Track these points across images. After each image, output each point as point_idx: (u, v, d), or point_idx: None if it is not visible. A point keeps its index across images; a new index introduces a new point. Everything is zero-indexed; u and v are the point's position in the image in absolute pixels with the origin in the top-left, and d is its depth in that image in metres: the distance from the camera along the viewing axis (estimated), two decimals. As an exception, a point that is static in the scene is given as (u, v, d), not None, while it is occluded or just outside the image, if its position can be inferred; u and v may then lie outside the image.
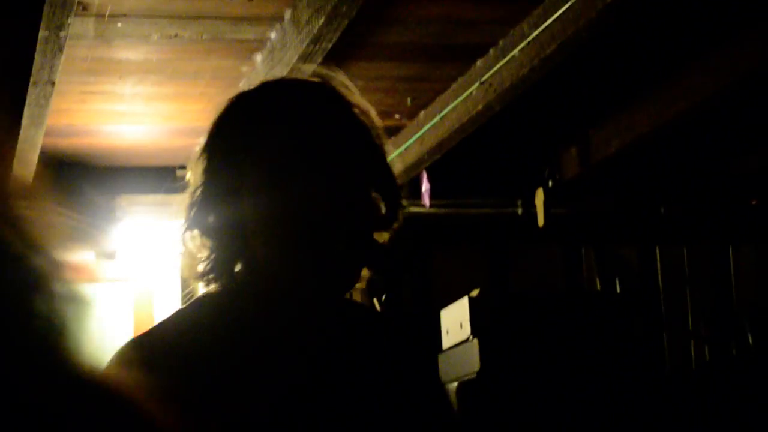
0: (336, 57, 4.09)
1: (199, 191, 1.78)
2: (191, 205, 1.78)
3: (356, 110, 1.79)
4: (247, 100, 1.84)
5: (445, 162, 5.33)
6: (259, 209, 1.74)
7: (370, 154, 1.79)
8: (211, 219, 1.77)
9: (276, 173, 1.73)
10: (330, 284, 1.77)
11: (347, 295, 1.87)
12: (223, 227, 1.77)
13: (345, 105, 1.79)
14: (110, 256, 5.74)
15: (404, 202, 1.84)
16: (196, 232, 1.78)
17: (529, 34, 4.19)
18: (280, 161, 1.73)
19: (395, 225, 1.81)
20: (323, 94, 1.80)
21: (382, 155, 1.82)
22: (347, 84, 1.82)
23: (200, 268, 1.79)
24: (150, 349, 1.73)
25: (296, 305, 1.78)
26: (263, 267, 1.76)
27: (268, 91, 1.84)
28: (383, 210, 1.80)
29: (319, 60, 3.98)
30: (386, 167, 1.83)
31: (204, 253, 1.78)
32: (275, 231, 1.73)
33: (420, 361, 1.91)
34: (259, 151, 1.75)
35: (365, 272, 1.80)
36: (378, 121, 1.82)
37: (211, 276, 1.79)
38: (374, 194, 1.79)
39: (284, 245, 1.73)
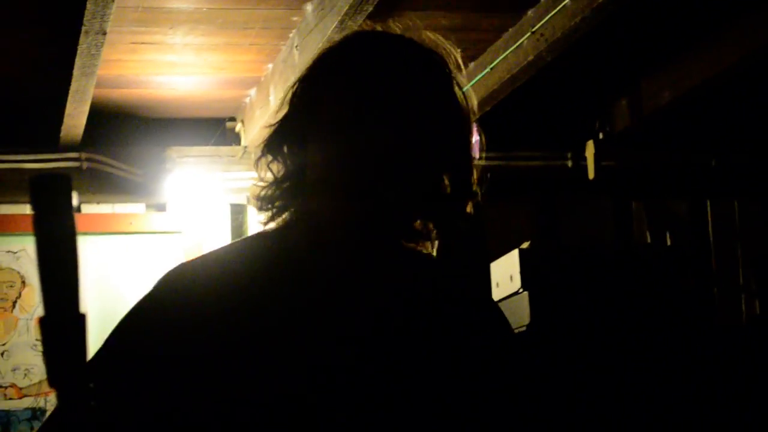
0: (386, 7, 4.07)
1: (273, 132, 1.81)
2: (266, 144, 1.82)
3: (452, 82, 1.79)
4: (330, 50, 1.82)
5: (495, 114, 5.30)
6: (321, 154, 1.73)
7: (448, 122, 1.78)
8: (279, 162, 1.79)
9: (343, 120, 1.72)
10: (381, 234, 1.76)
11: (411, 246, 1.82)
12: (288, 171, 1.78)
13: (438, 71, 1.77)
14: (160, 207, 5.76)
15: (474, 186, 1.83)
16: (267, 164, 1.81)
17: (582, -17, 4.16)
18: (347, 109, 1.72)
19: (465, 200, 1.81)
20: (410, 50, 1.77)
21: (463, 132, 1.81)
22: (434, 39, 1.80)
23: (263, 201, 1.81)
24: (192, 278, 1.76)
25: (347, 253, 1.77)
26: (317, 213, 1.75)
27: (350, 41, 1.82)
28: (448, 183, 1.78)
29: (370, 9, 3.97)
30: (462, 143, 1.82)
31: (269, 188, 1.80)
32: (333, 177, 1.72)
33: (485, 308, 1.84)
34: (331, 99, 1.74)
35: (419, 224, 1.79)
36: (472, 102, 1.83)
37: (270, 211, 1.81)
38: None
39: (339, 192, 1.72)
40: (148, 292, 1.76)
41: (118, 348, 1.72)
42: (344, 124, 1.71)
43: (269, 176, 1.81)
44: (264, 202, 1.81)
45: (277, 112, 1.83)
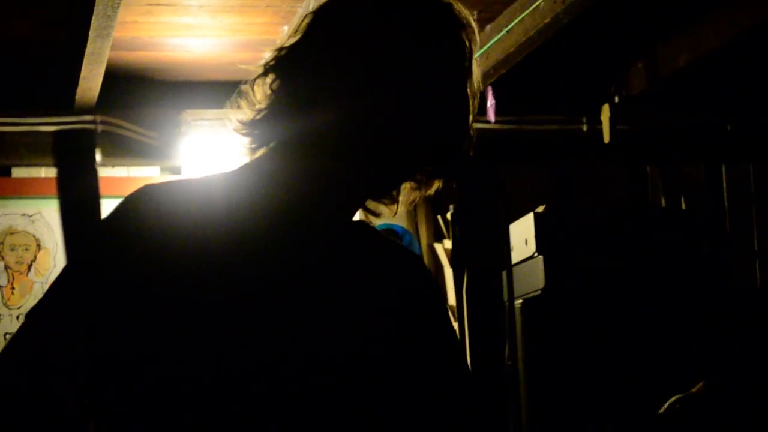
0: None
1: (283, 56, 1.73)
2: (259, 119, 1.73)
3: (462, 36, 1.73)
4: (334, 7, 1.76)
5: (511, 77, 5.27)
6: (334, 117, 1.69)
7: (457, 87, 1.74)
8: (280, 87, 1.71)
9: (361, 81, 1.68)
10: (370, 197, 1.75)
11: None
12: (285, 100, 1.71)
13: (450, 25, 1.72)
14: (175, 170, 5.76)
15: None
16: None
17: (600, -56, 4.14)
18: (376, 63, 1.68)
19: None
20: (425, 7, 1.73)
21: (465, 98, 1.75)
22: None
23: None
24: (155, 204, 1.67)
25: (337, 222, 1.75)
26: (318, 170, 1.70)
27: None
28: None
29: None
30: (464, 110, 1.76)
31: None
32: (353, 134, 1.68)
33: (428, 295, 1.82)
34: (358, 48, 1.70)
35: (436, 185, 1.78)
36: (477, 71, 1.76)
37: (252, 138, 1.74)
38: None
39: (358, 150, 1.69)
40: (112, 211, 1.66)
41: (76, 270, 1.65)
42: (372, 78, 1.68)
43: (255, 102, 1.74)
44: (251, 128, 1.74)
45: (289, 37, 1.75)
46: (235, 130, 1.76)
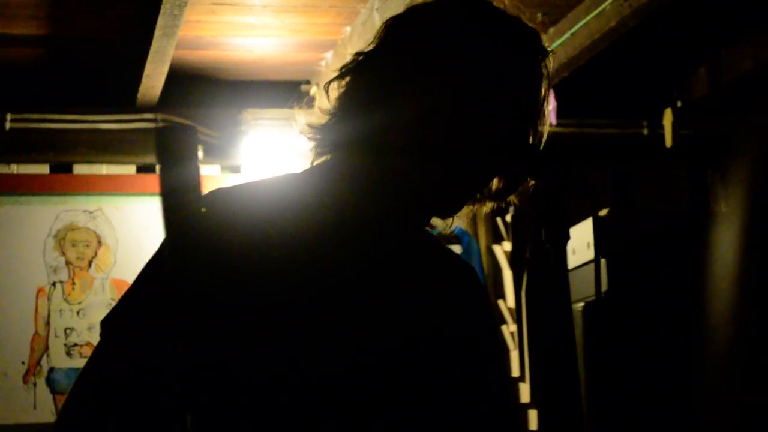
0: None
1: (341, 105, 1.73)
2: (328, 123, 1.74)
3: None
4: (409, 17, 1.78)
5: (572, 80, 5.25)
6: (403, 120, 1.70)
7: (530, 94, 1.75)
8: (348, 128, 1.72)
9: (431, 85, 1.69)
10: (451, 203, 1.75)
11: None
12: (360, 106, 1.71)
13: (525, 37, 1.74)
14: (235, 170, 5.77)
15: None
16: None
17: (669, -52, 4.11)
18: (437, 75, 1.69)
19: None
20: (500, 15, 1.75)
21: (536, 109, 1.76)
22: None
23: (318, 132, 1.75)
24: (240, 217, 1.65)
25: (413, 225, 1.77)
26: (400, 174, 1.71)
27: (429, 9, 1.78)
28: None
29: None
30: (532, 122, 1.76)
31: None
32: (435, 137, 1.69)
33: (482, 312, 1.86)
34: (442, 57, 1.70)
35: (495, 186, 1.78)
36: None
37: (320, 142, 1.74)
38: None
39: (428, 153, 1.69)
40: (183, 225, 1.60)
41: (153, 285, 1.65)
42: (456, 86, 1.69)
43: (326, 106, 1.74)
44: (320, 132, 1.74)
45: (369, 42, 1.77)
46: (302, 133, 1.77)
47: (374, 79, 1.72)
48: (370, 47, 1.76)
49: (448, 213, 1.77)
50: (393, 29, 1.77)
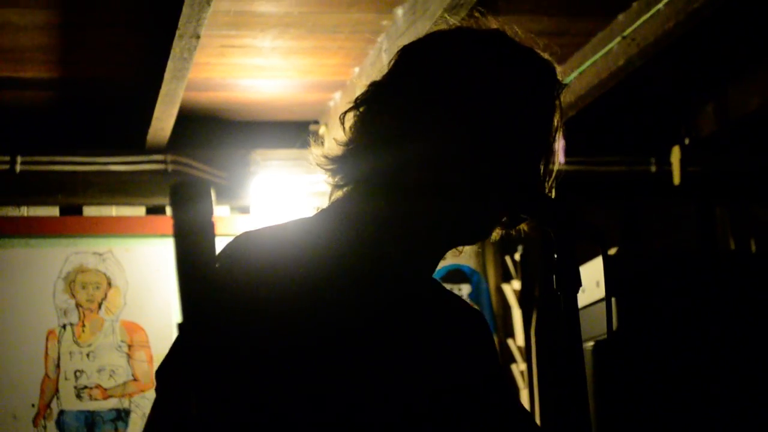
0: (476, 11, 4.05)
1: (356, 136, 1.73)
2: (344, 154, 1.74)
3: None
4: (424, 47, 1.78)
5: (580, 118, 5.27)
6: (417, 157, 1.68)
7: (545, 126, 1.75)
8: (362, 168, 1.72)
9: (445, 122, 1.68)
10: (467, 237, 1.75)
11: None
12: (376, 138, 1.71)
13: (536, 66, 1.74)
14: (245, 210, 5.78)
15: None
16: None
17: (676, -12, 4.13)
18: (452, 111, 1.68)
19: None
20: (513, 48, 1.75)
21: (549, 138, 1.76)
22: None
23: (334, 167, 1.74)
24: (268, 263, 1.63)
25: (431, 264, 1.76)
26: (416, 214, 1.70)
27: (444, 39, 1.77)
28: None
29: (463, 14, 3.95)
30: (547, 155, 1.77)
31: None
32: (452, 176, 1.68)
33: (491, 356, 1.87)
34: (440, 96, 1.69)
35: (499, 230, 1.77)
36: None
37: (336, 174, 1.74)
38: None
39: (457, 193, 1.68)
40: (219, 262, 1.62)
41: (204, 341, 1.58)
42: (473, 123, 1.68)
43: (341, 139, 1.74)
44: (335, 163, 1.73)
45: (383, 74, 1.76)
46: (318, 164, 1.76)
47: (389, 113, 1.70)
48: (385, 77, 1.75)
49: (463, 244, 1.77)
50: (408, 58, 1.76)
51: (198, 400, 1.44)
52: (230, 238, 1.69)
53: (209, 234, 1.32)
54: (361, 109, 1.74)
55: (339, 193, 1.77)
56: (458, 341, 1.77)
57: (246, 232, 1.70)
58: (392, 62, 1.76)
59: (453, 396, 1.71)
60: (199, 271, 1.32)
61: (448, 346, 1.75)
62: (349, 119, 1.74)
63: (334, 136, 1.77)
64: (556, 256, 1.69)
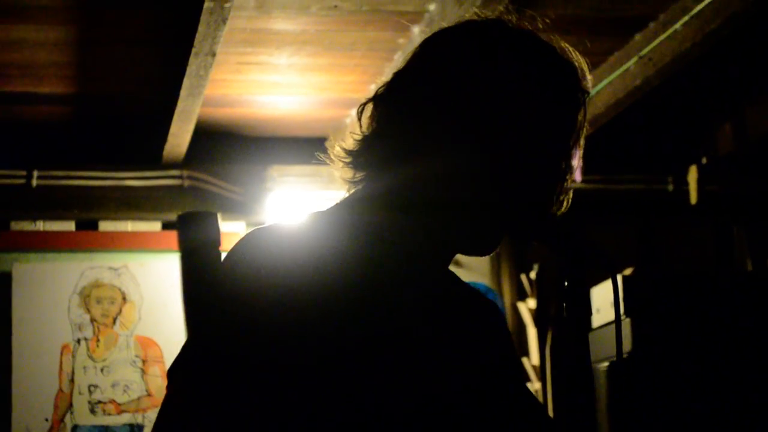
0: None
1: (366, 144, 1.70)
2: (382, 95, 1.70)
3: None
4: (439, 46, 1.73)
5: (596, 136, 5.25)
6: (429, 170, 1.66)
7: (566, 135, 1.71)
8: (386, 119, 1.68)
9: (458, 133, 1.65)
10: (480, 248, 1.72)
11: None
12: (388, 187, 1.68)
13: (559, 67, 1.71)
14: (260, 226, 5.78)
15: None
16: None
17: (693, 8, 4.12)
18: (465, 122, 1.65)
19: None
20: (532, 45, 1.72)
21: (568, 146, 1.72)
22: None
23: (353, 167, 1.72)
24: (287, 266, 1.60)
25: (447, 271, 1.76)
26: (438, 229, 1.68)
27: (501, 39, 1.71)
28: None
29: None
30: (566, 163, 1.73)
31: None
32: (474, 190, 1.65)
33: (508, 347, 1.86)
34: (459, 102, 1.65)
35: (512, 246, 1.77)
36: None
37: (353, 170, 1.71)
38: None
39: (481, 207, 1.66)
40: (230, 263, 1.58)
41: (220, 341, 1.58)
42: (470, 131, 1.64)
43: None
44: (355, 158, 1.71)
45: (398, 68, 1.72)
46: (336, 156, 1.73)
47: (407, 110, 1.66)
48: (405, 70, 1.71)
49: (468, 254, 1.74)
50: (426, 54, 1.71)
51: (211, 397, 1.43)
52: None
53: (215, 263, 1.33)
54: (378, 105, 1.70)
55: (353, 190, 1.75)
56: (480, 337, 1.77)
57: (261, 228, 1.68)
58: (415, 54, 1.72)
59: (478, 392, 1.70)
60: (208, 289, 1.32)
61: (471, 343, 1.74)
62: (368, 111, 1.72)
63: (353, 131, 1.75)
64: (566, 284, 1.69)
